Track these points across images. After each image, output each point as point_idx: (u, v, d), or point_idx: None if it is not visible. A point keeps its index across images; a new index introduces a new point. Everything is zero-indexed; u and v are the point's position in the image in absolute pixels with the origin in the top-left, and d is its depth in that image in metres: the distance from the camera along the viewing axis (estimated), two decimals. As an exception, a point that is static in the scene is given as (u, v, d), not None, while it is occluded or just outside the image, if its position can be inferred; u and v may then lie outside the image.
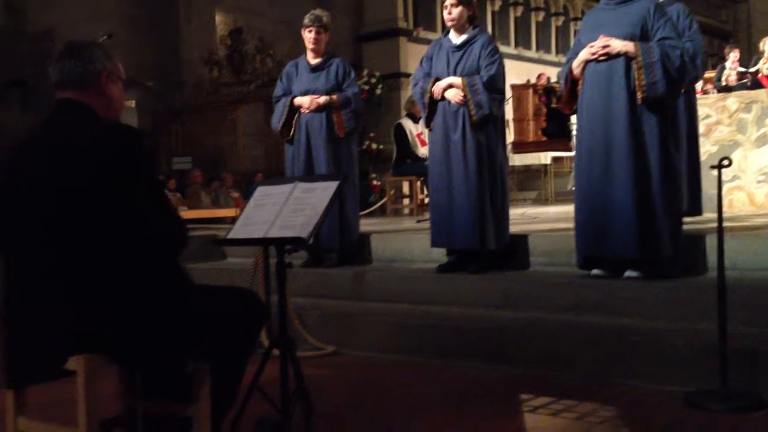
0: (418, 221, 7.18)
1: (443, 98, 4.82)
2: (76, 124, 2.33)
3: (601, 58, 4.13)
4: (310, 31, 5.43)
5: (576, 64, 4.26)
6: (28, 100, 15.98)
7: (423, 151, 8.79)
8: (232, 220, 10.01)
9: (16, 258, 2.31)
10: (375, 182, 12.16)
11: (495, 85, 4.74)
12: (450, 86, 4.77)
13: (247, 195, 12.73)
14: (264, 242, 3.23)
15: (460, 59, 4.82)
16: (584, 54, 4.20)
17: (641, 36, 4.09)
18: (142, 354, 2.26)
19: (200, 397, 2.36)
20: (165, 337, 2.27)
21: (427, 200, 8.58)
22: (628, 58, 4.07)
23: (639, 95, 4.04)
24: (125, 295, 2.20)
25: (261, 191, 3.28)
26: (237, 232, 3.15)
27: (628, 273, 4.16)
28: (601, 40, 4.12)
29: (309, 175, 5.20)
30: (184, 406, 2.40)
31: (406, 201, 10.15)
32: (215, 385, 2.40)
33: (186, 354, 2.37)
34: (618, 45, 4.09)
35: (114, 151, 2.22)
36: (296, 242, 3.01)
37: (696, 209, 5.58)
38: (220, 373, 2.44)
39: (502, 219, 4.84)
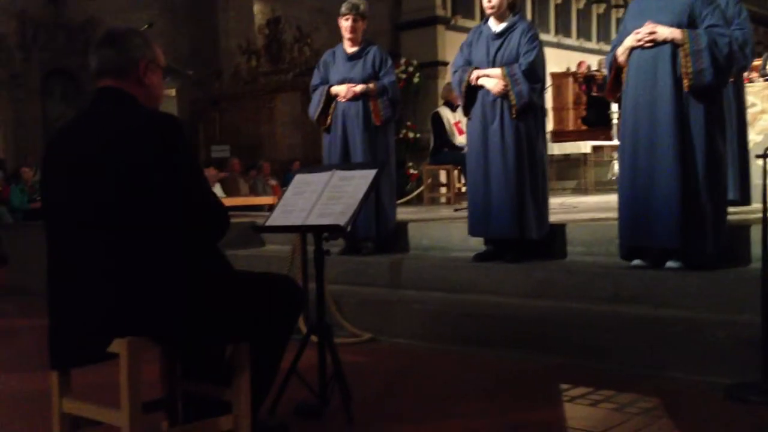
0: (456, 210, 7.16)
1: (481, 87, 4.79)
2: (117, 112, 2.35)
3: (647, 44, 4.06)
4: (346, 20, 5.42)
5: (621, 51, 4.20)
6: (69, 90, 16.24)
7: (460, 139, 8.74)
8: (270, 208, 10.08)
9: (59, 241, 2.35)
10: (412, 171, 12.13)
11: (534, 73, 4.69)
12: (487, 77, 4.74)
13: (284, 183, 12.83)
14: (302, 230, 3.25)
15: (500, 47, 4.76)
16: (630, 41, 4.14)
17: (688, 23, 4.00)
18: (182, 338, 2.29)
19: (240, 382, 2.39)
20: (204, 322, 2.30)
21: (464, 189, 8.55)
22: (674, 45, 4.00)
23: (685, 83, 3.97)
24: (165, 279, 2.23)
25: (299, 179, 3.30)
26: (276, 219, 3.18)
27: (670, 264, 4.10)
28: (648, 27, 4.05)
29: (345, 163, 5.21)
30: (224, 390, 2.43)
31: (443, 190, 10.12)
32: (254, 370, 2.42)
33: (225, 339, 2.39)
34: (665, 32, 4.02)
35: (154, 139, 2.24)
36: (334, 230, 3.02)
37: (745, 199, 5.48)
38: (259, 358, 2.47)
39: (543, 208, 4.80)
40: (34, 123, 15.74)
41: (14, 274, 7.45)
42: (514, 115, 4.68)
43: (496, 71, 4.71)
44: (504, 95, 4.69)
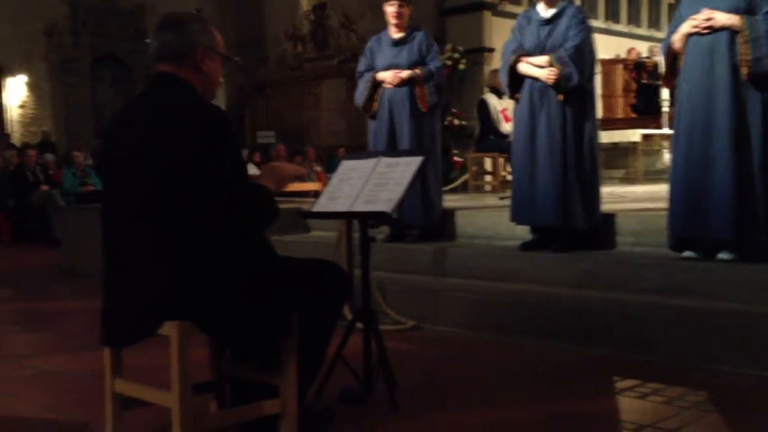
0: (501, 198, 7.11)
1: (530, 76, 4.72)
2: (168, 102, 2.37)
3: (704, 31, 3.97)
4: (391, 5, 5.39)
5: (677, 38, 4.11)
6: (119, 75, 16.51)
7: (506, 127, 8.66)
8: (315, 194, 10.06)
9: (113, 228, 2.38)
10: (457, 158, 12.08)
11: (581, 56, 4.59)
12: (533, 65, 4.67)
13: (328, 169, 12.89)
14: (348, 216, 3.26)
15: (549, 33, 4.69)
16: (686, 27, 4.05)
17: (747, 9, 3.91)
18: (228, 325, 2.30)
19: (287, 367, 2.41)
20: (251, 309, 2.32)
21: (509, 177, 8.48)
22: (732, 31, 3.90)
23: (744, 71, 3.87)
24: (210, 270, 2.25)
25: (345, 165, 3.30)
26: (322, 205, 3.19)
27: (722, 255, 4.02)
28: (704, 13, 3.96)
29: (391, 150, 5.20)
30: (271, 375, 2.45)
31: (488, 178, 10.05)
32: (300, 355, 2.44)
33: (272, 325, 2.40)
34: (722, 18, 3.92)
35: (200, 132, 2.24)
36: (380, 217, 3.02)
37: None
38: (305, 344, 2.48)
39: (592, 197, 4.71)
40: (84, 107, 16.05)
41: (66, 257, 7.61)
42: (561, 98, 4.61)
43: (543, 59, 4.64)
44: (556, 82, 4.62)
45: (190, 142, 2.23)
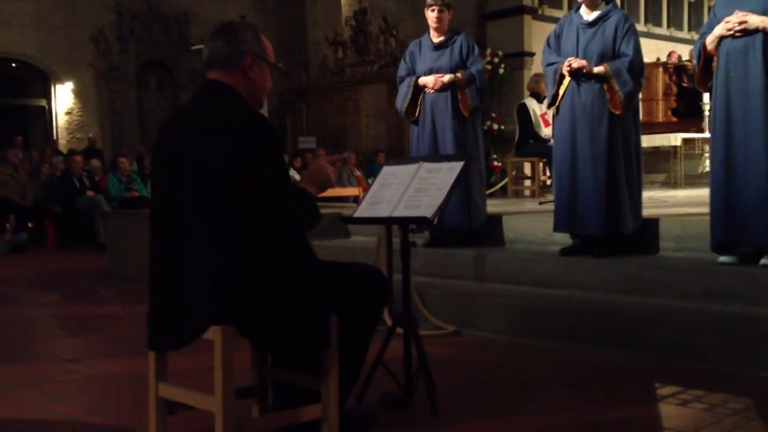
0: (541, 203, 7.08)
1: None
2: (215, 106, 2.41)
3: (738, 33, 3.94)
4: (432, 11, 5.40)
5: (710, 40, 4.09)
6: (164, 81, 16.75)
7: (546, 131, 8.63)
8: (355, 199, 10.10)
9: (161, 228, 2.43)
10: (496, 163, 12.03)
11: (638, 69, 4.56)
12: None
13: (368, 174, 12.92)
14: (389, 221, 3.28)
15: (592, 37, 4.64)
16: (719, 29, 4.02)
17: (781, 11, 3.87)
18: (269, 329, 2.33)
19: (328, 372, 2.43)
20: (292, 313, 2.35)
21: (549, 182, 8.44)
22: (765, 34, 3.88)
23: (776, 72, 3.84)
24: (255, 270, 2.29)
25: (386, 171, 3.32)
26: (363, 211, 3.21)
27: (764, 261, 3.97)
28: (738, 15, 3.93)
29: (435, 155, 5.20)
30: (313, 379, 2.47)
31: (527, 182, 10.01)
32: (341, 360, 2.46)
33: (312, 330, 2.42)
34: (756, 20, 3.88)
35: (242, 136, 2.28)
36: (421, 222, 3.04)
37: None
38: (345, 348, 2.50)
39: (638, 202, 4.70)
40: (130, 113, 16.31)
41: (111, 261, 7.74)
42: (618, 113, 4.55)
43: (600, 69, 4.59)
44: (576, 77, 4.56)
45: (231, 148, 2.27)
